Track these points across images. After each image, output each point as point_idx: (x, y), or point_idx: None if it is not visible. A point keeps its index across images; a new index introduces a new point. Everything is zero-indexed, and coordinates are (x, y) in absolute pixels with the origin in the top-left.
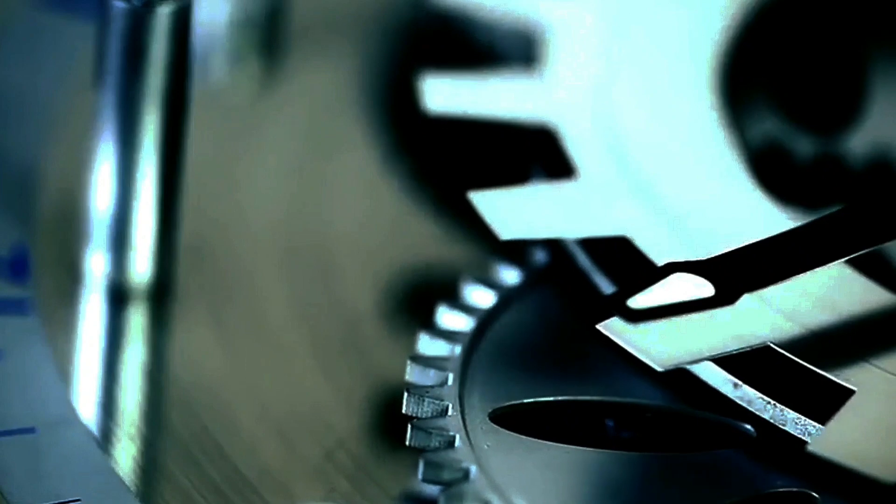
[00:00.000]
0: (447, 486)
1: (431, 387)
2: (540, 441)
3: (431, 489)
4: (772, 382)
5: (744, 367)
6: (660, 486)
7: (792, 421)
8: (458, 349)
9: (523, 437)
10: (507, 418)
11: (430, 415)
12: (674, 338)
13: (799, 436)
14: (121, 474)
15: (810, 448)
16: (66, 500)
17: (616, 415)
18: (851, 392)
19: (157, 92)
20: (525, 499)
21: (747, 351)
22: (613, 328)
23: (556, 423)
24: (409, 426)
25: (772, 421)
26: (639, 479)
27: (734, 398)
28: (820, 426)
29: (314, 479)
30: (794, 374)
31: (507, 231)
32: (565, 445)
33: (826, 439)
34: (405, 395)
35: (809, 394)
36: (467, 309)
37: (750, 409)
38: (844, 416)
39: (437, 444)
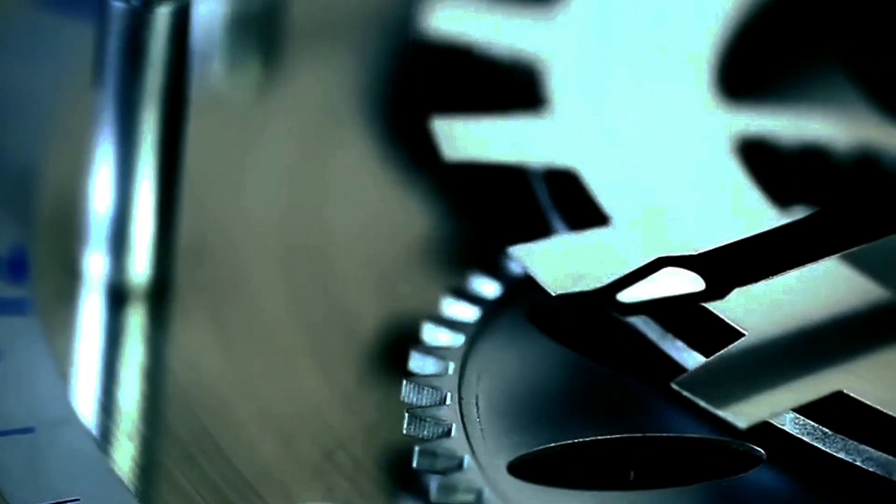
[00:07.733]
0: (441, 474)
1: (431, 376)
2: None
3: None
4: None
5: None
6: None
7: (791, 420)
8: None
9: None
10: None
11: (428, 404)
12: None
13: (798, 435)
14: (120, 474)
15: None
16: (65, 499)
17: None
18: None
19: (157, 92)
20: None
21: (824, 398)
22: (686, 385)
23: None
24: (406, 415)
25: (769, 420)
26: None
27: None
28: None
29: (314, 479)
30: (870, 418)
31: (559, 286)
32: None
33: None
34: (404, 383)
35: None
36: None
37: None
38: None
39: (432, 433)
